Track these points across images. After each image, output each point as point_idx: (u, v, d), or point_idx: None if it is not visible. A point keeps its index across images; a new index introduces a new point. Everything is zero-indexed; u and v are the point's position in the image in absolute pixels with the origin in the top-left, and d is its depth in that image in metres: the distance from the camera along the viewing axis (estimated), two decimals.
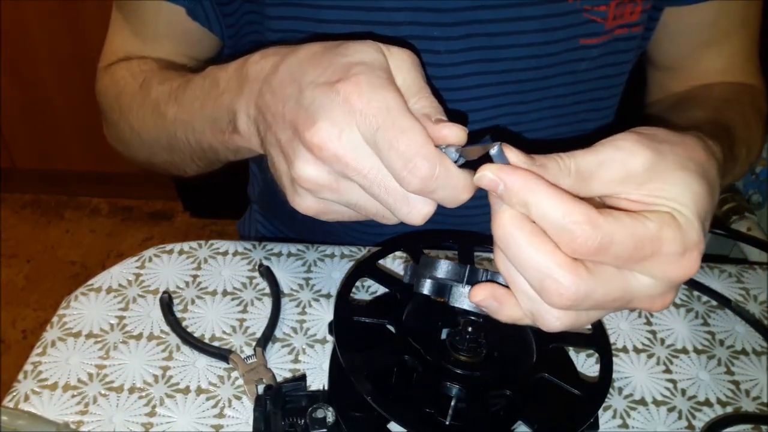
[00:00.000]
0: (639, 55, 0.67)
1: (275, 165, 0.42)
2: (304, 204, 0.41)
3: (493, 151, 0.34)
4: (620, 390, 0.54)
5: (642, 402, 0.53)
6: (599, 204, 0.37)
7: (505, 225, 0.34)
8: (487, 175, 0.34)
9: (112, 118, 0.64)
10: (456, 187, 0.37)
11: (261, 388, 0.50)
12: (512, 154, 0.35)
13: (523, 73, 0.59)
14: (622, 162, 0.35)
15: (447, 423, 0.45)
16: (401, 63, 0.40)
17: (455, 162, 0.37)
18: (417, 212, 0.38)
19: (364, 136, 0.37)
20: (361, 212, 0.40)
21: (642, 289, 0.35)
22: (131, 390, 0.52)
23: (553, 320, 0.36)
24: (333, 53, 0.40)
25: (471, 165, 0.37)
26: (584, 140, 0.39)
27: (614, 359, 0.53)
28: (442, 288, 0.41)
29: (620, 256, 0.34)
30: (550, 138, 0.65)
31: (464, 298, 0.40)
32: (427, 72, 0.58)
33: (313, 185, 0.39)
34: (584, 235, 0.33)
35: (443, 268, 0.41)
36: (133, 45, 0.65)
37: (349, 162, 0.37)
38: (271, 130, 0.41)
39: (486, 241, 0.44)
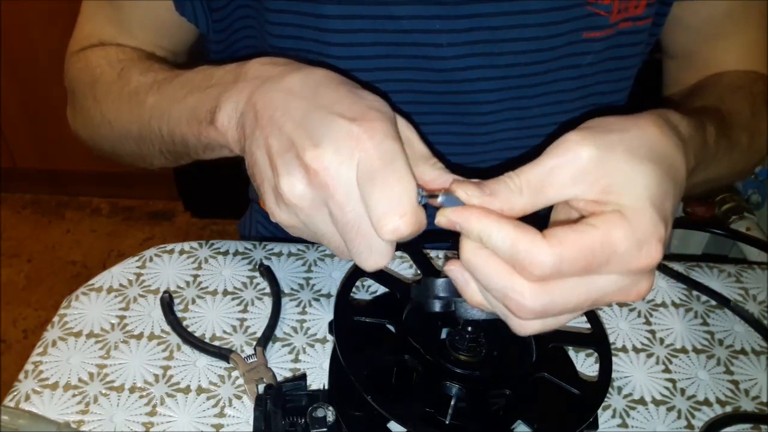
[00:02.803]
0: (648, 51, 0.66)
1: (258, 167, 0.42)
2: (281, 216, 0.41)
3: (440, 200, 0.37)
4: (620, 389, 0.54)
5: (641, 401, 0.53)
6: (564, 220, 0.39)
7: (466, 252, 0.37)
8: (442, 219, 0.37)
9: (84, 104, 0.63)
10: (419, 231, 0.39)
11: (261, 388, 0.50)
12: (461, 190, 0.37)
13: (527, 67, 0.59)
14: (568, 164, 0.36)
15: (447, 422, 0.46)
16: (405, 131, 0.42)
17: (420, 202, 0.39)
18: (374, 261, 0.40)
19: (360, 176, 0.38)
20: (322, 241, 0.42)
21: (609, 287, 0.36)
22: (132, 389, 0.52)
23: (521, 328, 0.38)
24: (353, 92, 0.41)
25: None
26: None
27: (614, 359, 0.53)
28: (449, 302, 0.42)
29: (575, 270, 0.35)
30: (553, 133, 0.65)
31: (470, 310, 0.41)
32: (430, 66, 0.58)
33: (295, 204, 0.40)
34: (533, 263, 0.34)
35: (442, 287, 0.42)
36: (106, 31, 0.64)
37: (336, 195, 0.38)
38: (261, 131, 0.41)
39: None
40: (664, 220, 0.36)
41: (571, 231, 0.35)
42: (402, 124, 0.42)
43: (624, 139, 0.37)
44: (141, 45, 0.63)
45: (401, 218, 0.37)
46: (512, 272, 0.36)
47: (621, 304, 0.60)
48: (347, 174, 0.38)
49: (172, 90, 0.51)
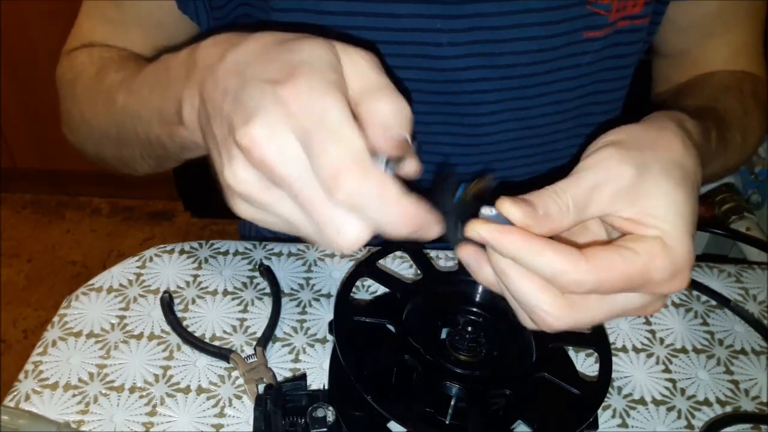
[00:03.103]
0: (644, 50, 0.66)
1: (214, 163, 0.39)
2: (240, 209, 0.37)
3: (491, 213, 0.36)
4: (620, 389, 0.54)
5: (641, 401, 0.53)
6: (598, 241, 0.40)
7: (499, 261, 0.36)
8: (473, 233, 0.36)
9: (65, 105, 0.62)
10: (392, 212, 0.33)
11: (261, 388, 0.50)
12: (515, 210, 0.36)
13: (527, 67, 0.59)
14: (610, 183, 0.37)
15: (447, 422, 0.46)
16: (357, 64, 0.37)
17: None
18: (344, 234, 0.34)
19: (299, 143, 0.34)
20: (294, 230, 0.37)
21: (632, 305, 0.38)
22: (132, 389, 0.52)
23: (533, 327, 0.39)
24: (281, 48, 0.37)
25: (471, 203, 0.37)
26: (588, 137, 0.39)
27: (614, 359, 0.53)
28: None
29: (610, 291, 0.36)
30: (553, 133, 0.65)
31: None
32: (430, 65, 0.58)
33: (243, 191, 0.36)
34: (573, 283, 0.35)
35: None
36: (100, 32, 0.63)
37: (275, 168, 0.34)
38: (209, 123, 0.38)
39: None
40: (693, 241, 0.38)
41: (617, 256, 0.36)
42: (356, 57, 0.37)
43: (657, 158, 0.38)
44: (135, 46, 0.62)
45: (347, 175, 0.32)
46: (545, 287, 0.36)
47: None
48: (282, 143, 0.34)
49: (138, 87, 0.49)
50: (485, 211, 0.36)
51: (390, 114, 0.35)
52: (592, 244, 0.39)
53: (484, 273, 0.39)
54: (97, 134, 0.58)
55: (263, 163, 0.34)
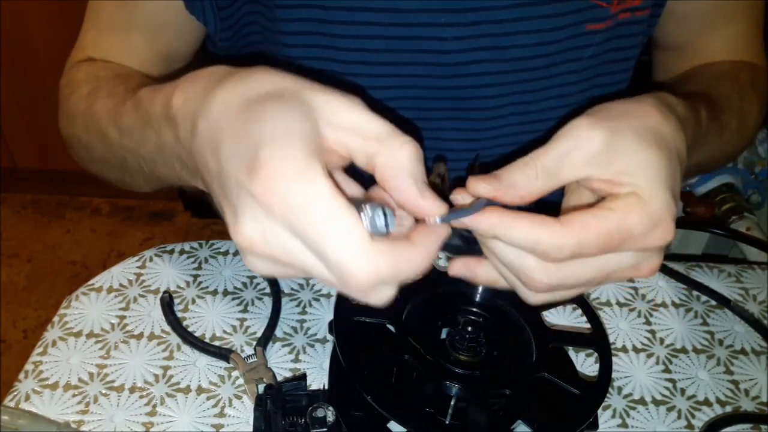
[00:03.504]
0: (645, 43, 0.67)
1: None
2: (261, 274, 0.39)
3: (461, 197, 0.38)
4: (620, 389, 0.54)
5: (641, 401, 0.53)
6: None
7: (486, 241, 0.38)
8: (455, 218, 0.37)
9: (62, 121, 0.62)
10: (410, 271, 0.34)
11: (261, 388, 0.50)
12: (481, 185, 0.37)
13: (530, 60, 0.60)
14: (580, 149, 0.38)
15: (447, 422, 0.46)
16: (352, 120, 0.35)
17: (385, 229, 0.33)
18: (371, 301, 0.35)
19: (294, 236, 0.32)
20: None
21: (623, 263, 0.38)
22: (132, 389, 0.52)
23: (531, 298, 0.40)
24: (247, 121, 0.34)
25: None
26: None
27: (614, 359, 0.53)
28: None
29: (593, 252, 0.37)
30: (557, 126, 0.65)
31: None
32: (434, 59, 0.58)
33: (261, 272, 0.36)
34: (552, 248, 0.36)
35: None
36: (102, 42, 0.62)
37: (282, 259, 0.33)
38: (213, 197, 0.38)
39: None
40: (674, 199, 0.38)
41: (590, 216, 0.36)
42: (341, 108, 0.35)
43: (630, 123, 0.39)
44: (138, 53, 0.61)
45: (357, 273, 0.32)
46: (528, 253, 0.37)
47: (621, 304, 0.60)
48: (277, 237, 0.33)
49: (127, 130, 0.48)
50: (457, 197, 0.38)
51: (415, 163, 0.35)
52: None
53: (479, 277, 0.41)
54: (97, 159, 0.58)
55: (271, 257, 0.34)
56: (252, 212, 0.32)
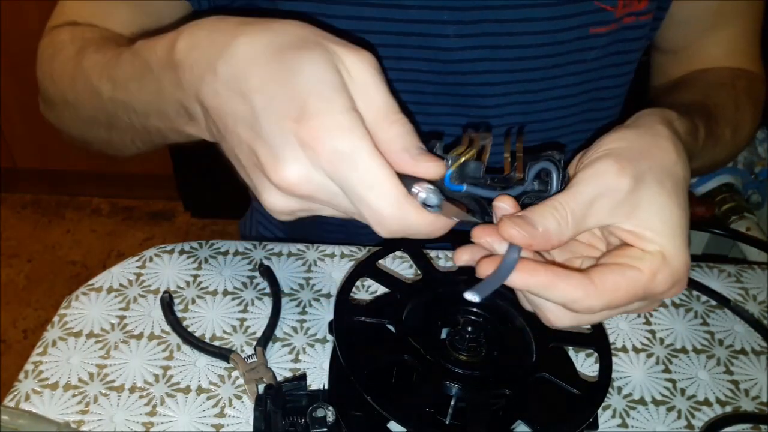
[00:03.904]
0: (646, 46, 0.67)
1: (240, 175, 0.40)
2: (281, 218, 0.40)
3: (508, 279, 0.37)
4: (619, 389, 0.54)
5: (641, 401, 0.53)
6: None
7: (523, 289, 0.39)
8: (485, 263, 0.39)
9: (44, 83, 0.59)
10: (425, 233, 0.38)
11: (261, 388, 0.50)
12: (514, 233, 0.37)
13: (534, 61, 0.60)
14: (608, 197, 0.39)
15: (447, 422, 0.46)
16: (362, 80, 0.37)
17: (426, 203, 0.37)
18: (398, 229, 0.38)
19: (333, 181, 0.36)
20: (337, 216, 0.40)
21: (632, 308, 0.41)
22: (132, 389, 0.52)
23: (549, 325, 0.41)
24: (284, 69, 0.36)
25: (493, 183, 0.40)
26: (590, 137, 0.41)
27: (614, 359, 0.53)
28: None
29: (617, 308, 0.40)
30: (557, 128, 0.66)
31: None
32: (436, 56, 0.58)
33: (286, 212, 0.38)
34: (582, 312, 0.38)
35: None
36: (86, 9, 0.60)
37: (321, 198, 0.37)
38: (227, 143, 0.39)
39: None
40: (689, 250, 0.41)
41: (621, 278, 0.38)
42: (356, 68, 0.37)
43: (652, 167, 0.40)
44: (120, 24, 0.59)
45: (391, 221, 0.36)
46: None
47: None
48: (319, 178, 0.36)
49: (122, 79, 0.48)
50: (499, 206, 0.39)
51: (406, 136, 0.37)
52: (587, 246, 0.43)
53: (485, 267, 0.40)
54: (83, 118, 0.56)
55: (309, 197, 0.37)
56: (296, 156, 0.35)
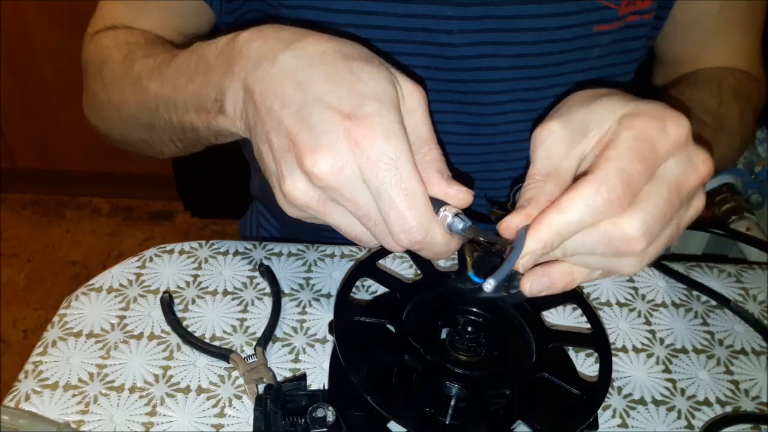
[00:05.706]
0: (648, 46, 0.67)
1: (264, 161, 0.42)
2: (290, 212, 0.42)
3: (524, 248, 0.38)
4: (619, 389, 0.54)
5: (641, 401, 0.53)
6: None
7: (548, 242, 0.39)
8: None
9: (94, 88, 0.63)
10: (437, 252, 0.40)
11: (261, 388, 0.50)
12: (514, 220, 0.39)
13: (536, 58, 0.59)
14: (549, 139, 0.41)
15: (447, 422, 0.46)
16: (413, 106, 0.41)
17: (451, 226, 0.40)
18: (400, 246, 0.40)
19: (366, 180, 0.38)
20: (341, 232, 0.42)
21: (675, 170, 0.39)
22: (132, 389, 0.52)
23: (636, 265, 0.40)
24: (346, 70, 0.39)
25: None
26: None
27: (614, 359, 0.53)
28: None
29: (640, 172, 0.38)
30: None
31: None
32: (439, 52, 0.58)
33: (301, 204, 0.40)
34: (612, 198, 0.37)
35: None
36: (121, 13, 0.64)
37: (346, 194, 0.38)
38: (263, 125, 0.40)
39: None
40: (661, 106, 0.40)
41: (609, 151, 0.38)
42: (410, 94, 0.41)
43: (573, 100, 0.43)
44: (155, 28, 0.63)
45: (419, 231, 0.38)
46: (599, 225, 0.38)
47: (621, 304, 0.60)
48: (352, 174, 0.38)
49: (172, 75, 0.50)
50: (504, 227, 0.40)
51: (441, 163, 0.41)
52: None
53: (557, 282, 0.41)
54: (127, 119, 0.59)
55: (334, 189, 0.38)
56: (337, 148, 0.37)
